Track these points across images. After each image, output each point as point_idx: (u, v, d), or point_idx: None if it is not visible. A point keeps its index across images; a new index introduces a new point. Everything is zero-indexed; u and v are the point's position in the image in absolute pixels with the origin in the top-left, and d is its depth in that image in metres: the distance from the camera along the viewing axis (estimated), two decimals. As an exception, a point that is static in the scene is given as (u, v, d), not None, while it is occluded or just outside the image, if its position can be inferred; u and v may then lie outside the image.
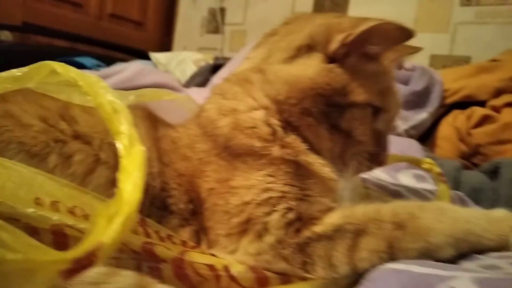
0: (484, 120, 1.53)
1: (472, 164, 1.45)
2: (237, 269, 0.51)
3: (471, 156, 1.53)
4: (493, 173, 1.09)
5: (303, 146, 0.63)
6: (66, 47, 2.75)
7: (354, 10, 2.57)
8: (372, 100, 0.65)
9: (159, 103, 0.79)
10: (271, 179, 0.58)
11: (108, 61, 2.56)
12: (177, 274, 0.49)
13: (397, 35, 0.63)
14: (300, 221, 0.56)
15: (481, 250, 0.55)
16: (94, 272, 0.40)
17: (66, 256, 0.29)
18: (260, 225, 0.55)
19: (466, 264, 0.54)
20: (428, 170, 0.78)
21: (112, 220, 0.32)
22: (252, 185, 0.57)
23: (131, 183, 0.36)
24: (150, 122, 0.68)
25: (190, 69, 2.37)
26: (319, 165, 0.62)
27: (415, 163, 0.82)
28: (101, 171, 0.55)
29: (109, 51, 2.94)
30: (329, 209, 0.58)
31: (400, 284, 0.47)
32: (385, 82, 0.69)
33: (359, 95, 0.64)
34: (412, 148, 1.22)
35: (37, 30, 2.60)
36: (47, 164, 0.52)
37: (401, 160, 0.81)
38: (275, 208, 0.55)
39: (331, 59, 0.65)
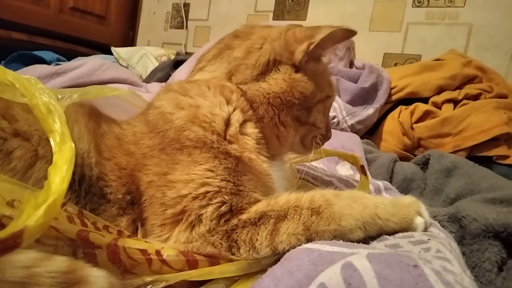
0: (426, 115, 1.64)
1: (414, 156, 1.56)
2: (168, 253, 0.56)
3: (413, 149, 1.64)
4: (424, 164, 1.19)
5: (252, 144, 0.69)
6: (26, 40, 2.69)
7: (314, 8, 2.64)
8: (328, 92, 0.78)
9: (105, 99, 0.82)
10: (210, 174, 0.63)
11: (70, 55, 2.53)
12: (111, 258, 0.53)
13: (343, 36, 0.72)
14: (231, 213, 0.61)
15: (389, 232, 0.62)
16: (26, 257, 0.44)
17: (-8, 237, 0.34)
18: (194, 217, 0.60)
19: (375, 244, 0.61)
20: (352, 164, 0.86)
21: (38, 207, 0.36)
22: (191, 179, 0.62)
23: (59, 176, 0.40)
24: (92, 118, 0.71)
25: (152, 64, 2.39)
26: (260, 161, 0.69)
27: (342, 157, 0.89)
28: (40, 166, 0.58)
29: (71, 45, 2.91)
30: (257, 201, 0.64)
31: (310, 260, 0.53)
32: (328, 73, 0.81)
33: (321, 92, 0.76)
34: (352, 141, 1.30)
35: (-6, 22, 2.54)
36: (-12, 160, 0.56)
37: (330, 154, 0.88)
38: (211, 202, 0.61)
39: (296, 68, 0.74)
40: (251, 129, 0.70)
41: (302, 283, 0.50)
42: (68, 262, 0.47)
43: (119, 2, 3.35)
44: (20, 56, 2.29)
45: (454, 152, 1.54)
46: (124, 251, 0.54)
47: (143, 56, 2.45)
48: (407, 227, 0.63)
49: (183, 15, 3.20)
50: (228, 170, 0.63)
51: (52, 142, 0.44)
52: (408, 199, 0.67)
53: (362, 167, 0.81)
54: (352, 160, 0.85)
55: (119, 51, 2.50)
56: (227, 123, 0.68)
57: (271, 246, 0.59)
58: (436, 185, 1.07)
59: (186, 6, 3.21)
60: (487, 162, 1.48)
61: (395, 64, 2.34)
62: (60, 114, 0.45)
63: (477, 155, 1.55)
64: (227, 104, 0.70)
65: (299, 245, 0.59)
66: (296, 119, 0.75)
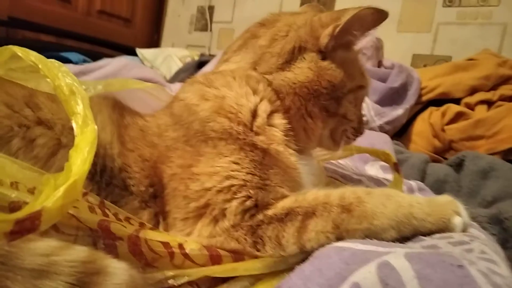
0: (458, 117, 1.57)
1: (444, 160, 1.49)
2: (191, 247, 0.54)
3: (444, 152, 1.57)
4: (458, 165, 1.13)
5: (280, 135, 0.66)
6: (53, 42, 2.75)
7: (340, 8, 2.60)
8: (360, 82, 0.73)
9: (130, 93, 0.81)
10: (235, 166, 0.60)
11: (96, 57, 2.57)
12: (132, 250, 0.52)
13: (374, 19, 0.68)
14: (256, 208, 0.59)
15: (424, 233, 0.58)
16: (45, 245, 0.42)
17: (9, 217, 0.32)
18: (218, 211, 0.57)
19: (410, 244, 0.57)
20: (385, 161, 0.81)
21: (57, 188, 0.34)
22: (215, 172, 0.59)
23: (80, 158, 0.38)
24: (116, 109, 0.70)
25: (176, 65, 2.40)
26: (288, 154, 0.66)
27: (374, 154, 0.85)
28: (63, 154, 0.57)
29: (97, 47, 2.96)
30: (284, 197, 0.61)
31: (341, 259, 0.50)
32: (361, 62, 0.76)
33: (352, 81, 0.71)
34: (381, 140, 1.25)
35: (24, 25, 2.60)
36: (11, 147, 0.55)
37: (362, 151, 0.85)
38: (235, 196, 0.58)
39: (323, 54, 0.70)
40: (278, 120, 0.67)
41: (333, 282, 0.47)
42: (88, 252, 0.46)
43: (145, 5, 3.40)
44: (48, 57, 2.32)
45: (488, 155, 1.47)
46: (145, 243, 0.52)
47: (167, 58, 2.46)
48: (444, 228, 0.58)
49: (208, 18, 3.21)
50: (254, 163, 0.61)
51: (74, 125, 0.43)
52: (445, 198, 0.62)
53: (395, 164, 0.77)
54: (384, 157, 0.81)
55: (144, 53, 2.52)
56: (254, 114, 0.65)
57: (298, 243, 0.56)
58: (471, 187, 1.02)
59: (211, 8, 3.22)
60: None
61: (425, 66, 2.27)
62: (83, 96, 0.44)
63: (512, 159, 1.47)
64: (254, 95, 0.67)
65: (328, 243, 0.55)
66: (324, 110, 0.70)
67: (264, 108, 0.66)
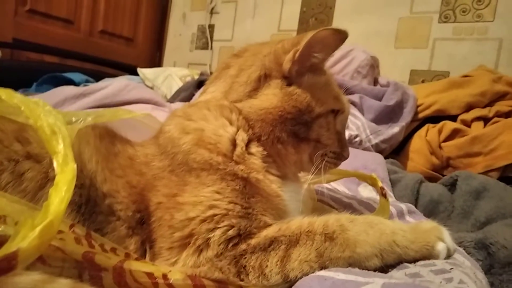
0: (455, 134, 1.58)
1: (443, 177, 1.49)
2: (175, 277, 0.55)
3: (442, 169, 1.57)
4: (452, 185, 1.13)
5: (259, 163, 0.68)
6: (57, 63, 2.80)
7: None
8: (331, 106, 0.73)
9: (123, 121, 0.83)
10: (218, 196, 0.61)
11: (98, 77, 2.61)
12: (117, 281, 0.52)
13: (335, 39, 0.68)
14: (239, 237, 0.59)
15: (408, 260, 0.58)
16: (29, 279, 0.43)
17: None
18: (202, 240, 0.58)
19: (394, 272, 0.57)
20: (371, 185, 0.82)
21: (34, 229, 0.36)
22: (199, 201, 0.61)
23: (58, 197, 0.40)
24: (106, 138, 0.72)
25: (176, 85, 2.43)
26: (268, 182, 0.67)
27: (361, 178, 0.86)
28: (51, 187, 0.58)
29: (100, 67, 3.00)
30: (267, 226, 0.62)
31: (322, 289, 0.50)
32: (335, 86, 0.76)
33: (321, 106, 0.71)
34: (375, 161, 1.26)
35: (28, 46, 2.66)
36: (0, 181, 0.56)
37: (349, 175, 0.85)
38: (218, 225, 0.59)
39: (288, 80, 0.71)
40: (255, 148, 0.69)
41: (312, 313, 0.47)
42: (71, 284, 0.47)
43: (146, 25, 3.45)
44: (50, 78, 2.37)
45: (486, 172, 1.47)
46: (130, 274, 0.53)
47: (168, 77, 2.49)
48: (428, 255, 0.59)
49: (208, 36, 3.25)
50: (236, 192, 0.62)
51: (55, 163, 0.44)
52: (429, 224, 0.63)
53: (382, 188, 0.78)
54: (371, 181, 0.81)
55: (145, 72, 2.55)
56: (233, 143, 0.67)
57: (281, 273, 0.56)
58: (464, 208, 1.02)
59: (211, 27, 3.27)
60: (522, 183, 1.40)
61: (423, 81, 2.29)
62: (64, 136, 0.45)
63: (510, 175, 1.47)
64: (230, 125, 0.69)
65: (312, 272, 0.56)
66: (293, 135, 0.70)
67: (241, 137, 0.68)
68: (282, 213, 0.65)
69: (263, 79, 0.71)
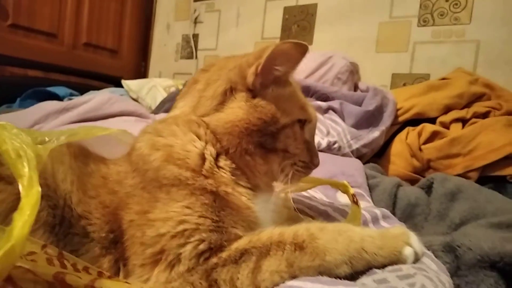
0: (434, 136, 1.60)
1: (423, 179, 1.51)
2: (147, 294, 0.56)
3: (423, 171, 1.60)
4: (429, 188, 1.15)
5: (228, 177, 0.69)
6: (41, 77, 2.79)
7: (319, 34, 2.66)
8: (297, 116, 0.74)
9: (99, 138, 0.83)
10: (188, 211, 0.62)
11: (83, 90, 2.61)
12: (89, 301, 0.53)
13: (297, 52, 0.70)
14: (210, 251, 0.60)
15: (377, 266, 0.60)
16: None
17: None
18: (173, 256, 0.59)
19: (363, 279, 0.59)
20: (344, 192, 0.84)
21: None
22: (169, 217, 0.61)
23: (21, 221, 0.40)
24: (80, 158, 0.72)
25: (161, 95, 2.43)
26: (237, 194, 0.68)
27: (334, 185, 0.87)
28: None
29: (85, 80, 3.00)
30: (238, 238, 0.63)
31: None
32: (300, 97, 0.78)
33: (287, 117, 0.72)
34: (353, 167, 1.28)
35: (11, 61, 2.64)
36: (-30, 204, 0.57)
37: (322, 183, 0.87)
38: (189, 240, 0.60)
39: (253, 93, 0.72)
40: (223, 161, 0.70)
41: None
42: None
43: (130, 36, 3.45)
44: (34, 92, 2.37)
45: (466, 172, 1.50)
46: (101, 293, 0.54)
47: (152, 88, 2.49)
48: (396, 260, 0.60)
49: (193, 46, 3.27)
50: (206, 206, 0.63)
51: (20, 187, 0.45)
52: (397, 229, 0.64)
53: (353, 195, 0.79)
54: (343, 188, 0.83)
55: (129, 84, 2.55)
56: (202, 158, 0.68)
57: (253, 285, 0.57)
58: (440, 210, 1.04)
59: (195, 36, 3.28)
60: (501, 182, 1.43)
61: (404, 84, 2.32)
62: (30, 159, 0.46)
63: (489, 175, 1.50)
64: (199, 139, 0.70)
65: (283, 282, 0.57)
66: (260, 147, 0.71)
67: (209, 152, 0.69)
68: (254, 224, 0.66)
69: (229, 92, 0.73)
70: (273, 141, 0.71)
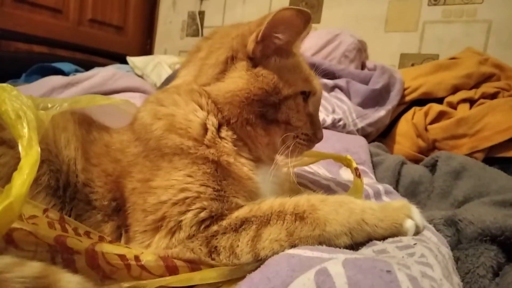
0: (441, 116, 1.58)
1: (428, 159, 1.50)
2: (147, 259, 0.56)
3: (428, 151, 1.58)
4: (433, 166, 1.14)
5: (230, 147, 0.68)
6: (46, 53, 2.78)
7: (328, 11, 2.62)
8: (300, 88, 0.72)
9: (102, 108, 0.83)
10: (189, 179, 0.62)
11: (88, 66, 2.59)
12: (90, 264, 0.54)
13: (297, 20, 0.67)
14: (211, 219, 0.61)
15: (377, 238, 0.60)
16: (0, 262, 0.45)
17: None
18: (174, 223, 0.60)
19: (363, 249, 0.59)
20: (347, 166, 0.83)
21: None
22: (171, 185, 0.62)
23: (20, 179, 0.40)
24: (83, 125, 0.73)
25: (166, 73, 2.41)
26: (239, 165, 0.68)
27: (337, 159, 0.87)
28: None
29: (90, 56, 2.98)
30: (239, 207, 0.63)
31: (289, 266, 0.52)
32: (305, 69, 0.76)
33: (289, 88, 0.71)
34: (357, 144, 1.27)
35: (16, 36, 2.63)
36: (-27, 167, 0.57)
37: (324, 157, 0.86)
38: (190, 208, 0.60)
39: (253, 61, 0.71)
40: (225, 132, 0.69)
41: (277, 290, 0.49)
42: (41, 267, 0.47)
43: (136, 13, 3.42)
44: (40, 68, 2.36)
45: (471, 153, 1.48)
46: (102, 257, 0.54)
47: (157, 65, 2.47)
48: (396, 232, 0.60)
49: (199, 23, 3.23)
50: (207, 175, 0.63)
51: (20, 147, 0.45)
52: (399, 202, 0.64)
53: (356, 169, 0.79)
54: (346, 162, 0.82)
55: (134, 61, 2.53)
56: (204, 127, 0.68)
57: (252, 252, 0.58)
58: (443, 188, 1.03)
59: (201, 14, 3.24)
60: (507, 163, 1.42)
61: (412, 65, 2.29)
62: (30, 120, 0.46)
63: (495, 156, 1.48)
64: (201, 109, 0.69)
65: (282, 251, 0.57)
66: (262, 117, 0.70)
67: (211, 122, 0.68)
68: (254, 195, 0.66)
69: (230, 61, 0.71)
70: (275, 112, 0.70)
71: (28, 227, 0.52)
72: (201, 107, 0.70)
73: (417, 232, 0.62)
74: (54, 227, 0.55)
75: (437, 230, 0.67)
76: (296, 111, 0.72)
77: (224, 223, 0.60)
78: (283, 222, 0.59)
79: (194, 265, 0.58)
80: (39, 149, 0.45)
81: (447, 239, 0.68)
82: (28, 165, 0.42)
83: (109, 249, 0.55)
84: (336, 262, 0.47)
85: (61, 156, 0.65)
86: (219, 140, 0.68)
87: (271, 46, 0.70)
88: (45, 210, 0.57)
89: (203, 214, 0.60)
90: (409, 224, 0.60)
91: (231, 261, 0.58)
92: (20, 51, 2.67)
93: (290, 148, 0.72)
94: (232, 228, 0.59)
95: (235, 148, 0.69)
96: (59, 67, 2.39)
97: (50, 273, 0.48)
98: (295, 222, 0.59)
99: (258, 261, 0.58)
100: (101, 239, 0.59)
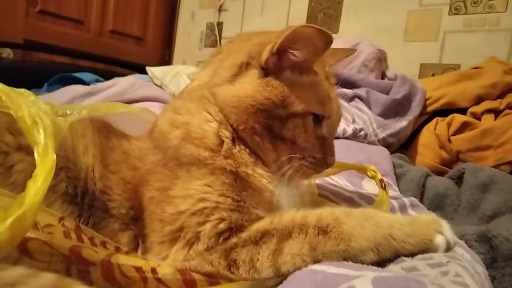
0: (464, 127, 1.54)
1: (452, 171, 1.45)
2: (164, 271, 0.54)
3: (452, 163, 1.54)
4: (459, 178, 1.10)
5: (247, 158, 0.66)
6: (67, 63, 2.82)
7: (346, 22, 2.60)
8: (311, 108, 0.68)
9: (122, 116, 0.83)
10: (208, 189, 0.60)
11: (108, 76, 2.62)
12: (105, 276, 0.52)
13: (317, 39, 0.64)
14: (230, 230, 0.58)
15: (405, 254, 0.56)
16: (12, 274, 0.43)
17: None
18: (192, 234, 0.58)
19: (391, 266, 0.56)
20: (371, 177, 0.80)
21: (5, 221, 0.35)
22: (189, 194, 0.60)
23: (34, 188, 0.39)
24: (102, 132, 0.72)
25: (184, 82, 2.42)
26: (258, 176, 0.65)
27: (361, 170, 0.84)
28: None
29: (110, 67, 3.02)
30: (259, 219, 0.60)
31: (313, 283, 0.49)
32: (322, 90, 0.71)
33: (298, 105, 0.67)
34: (379, 154, 1.23)
35: (39, 47, 2.68)
36: (-11, 174, 0.56)
37: (349, 168, 0.83)
38: (209, 219, 0.58)
39: (265, 72, 0.68)
40: (238, 146, 0.67)
41: (301, 308, 0.46)
42: (55, 279, 0.46)
43: (156, 24, 3.46)
44: (61, 78, 2.39)
45: (497, 166, 1.43)
46: (118, 268, 0.52)
47: (176, 75, 2.48)
48: (426, 248, 0.56)
49: (217, 34, 3.25)
50: (226, 186, 0.61)
51: (35, 154, 0.43)
52: (428, 216, 0.61)
53: (381, 181, 0.76)
54: (371, 173, 0.79)
55: (153, 71, 2.55)
56: (219, 137, 0.66)
57: (273, 267, 0.55)
58: (471, 201, 0.99)
59: (220, 25, 3.26)
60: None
61: (433, 75, 2.24)
62: (46, 126, 0.45)
63: (523, 168, 1.43)
64: (213, 120, 0.68)
65: (305, 266, 0.55)
66: (267, 129, 0.66)
67: (225, 134, 0.67)
68: (275, 207, 0.64)
69: (245, 66, 0.70)
70: (280, 126, 0.67)
71: (43, 237, 0.51)
72: (211, 115, 0.68)
73: (448, 248, 0.58)
74: (70, 236, 0.54)
75: (469, 247, 0.63)
76: (304, 131, 0.68)
77: (244, 235, 0.58)
78: (306, 236, 0.56)
79: (212, 279, 0.56)
80: (55, 156, 0.44)
81: (480, 256, 0.64)
82: (43, 172, 0.41)
83: (125, 260, 0.53)
84: (365, 280, 0.45)
85: (79, 163, 0.64)
86: (235, 151, 0.66)
87: (286, 61, 0.68)
88: (60, 219, 0.56)
89: (222, 225, 0.58)
90: (439, 240, 0.57)
91: (251, 275, 0.55)
92: (42, 61, 2.72)
93: (293, 170, 0.68)
94: (252, 241, 0.57)
95: (252, 160, 0.67)
96: (80, 77, 2.42)
97: (65, 284, 0.46)
98: (318, 236, 0.56)
99: (279, 277, 0.55)
100: (118, 249, 0.57)
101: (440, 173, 1.43)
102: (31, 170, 0.58)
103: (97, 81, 2.49)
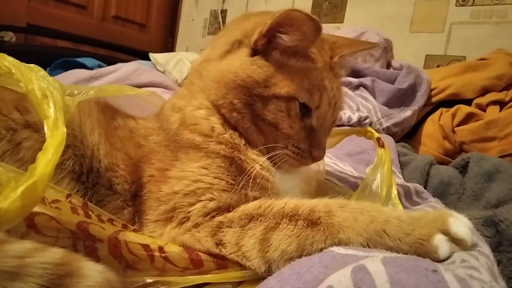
0: (469, 118, 1.53)
1: (455, 162, 1.45)
2: (171, 250, 0.54)
3: (455, 154, 1.53)
4: (464, 167, 1.10)
5: (239, 142, 0.67)
6: (70, 48, 2.81)
7: (352, 10, 2.58)
8: (297, 94, 0.66)
9: (128, 99, 0.83)
10: (204, 171, 0.62)
11: (111, 62, 2.61)
12: (112, 253, 0.52)
13: (305, 25, 0.62)
14: (218, 209, 0.60)
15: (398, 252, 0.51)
16: (20, 247, 0.43)
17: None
18: (183, 214, 0.59)
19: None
20: (369, 138, 0.80)
21: (16, 189, 0.35)
22: (185, 176, 0.62)
23: (45, 160, 0.39)
24: (107, 112, 0.73)
25: (187, 69, 2.41)
26: (251, 162, 0.65)
27: (358, 133, 0.83)
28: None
29: (112, 52, 3.01)
30: (249, 201, 0.61)
31: (321, 262, 0.49)
32: (315, 79, 0.68)
33: (282, 88, 0.65)
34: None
35: (41, 31, 2.67)
36: (-3, 150, 0.56)
37: (346, 133, 0.85)
38: (200, 198, 0.60)
39: (254, 52, 0.68)
40: (228, 126, 0.68)
41: (309, 286, 0.46)
42: (63, 254, 0.46)
43: (159, 10, 3.44)
44: (64, 62, 2.38)
45: (501, 157, 1.42)
46: (125, 246, 0.53)
47: (179, 61, 2.47)
48: (423, 249, 0.50)
49: (221, 21, 3.23)
50: (222, 169, 0.63)
51: (45, 127, 0.43)
52: (435, 213, 0.55)
53: (378, 139, 0.76)
54: (367, 134, 0.81)
55: (156, 57, 2.54)
56: (210, 124, 0.68)
57: (263, 259, 0.54)
58: (475, 190, 0.99)
59: (224, 12, 3.24)
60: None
61: (438, 66, 2.22)
62: (56, 100, 0.44)
63: (526, 160, 1.42)
64: (203, 106, 0.70)
65: (291, 258, 0.53)
66: (247, 107, 0.66)
67: (214, 119, 0.68)
68: (271, 193, 0.63)
69: (237, 44, 0.70)
70: (262, 107, 0.65)
71: (51, 212, 0.50)
72: (199, 102, 0.71)
73: (463, 245, 0.51)
74: (77, 212, 0.53)
75: (476, 230, 0.63)
76: (287, 116, 0.66)
77: (230, 215, 0.58)
78: (294, 228, 0.54)
79: (219, 260, 0.56)
80: (65, 129, 0.44)
81: (486, 240, 0.64)
82: (54, 145, 0.41)
83: (133, 238, 0.53)
84: (374, 259, 0.44)
85: (86, 141, 0.64)
86: (227, 136, 0.67)
87: (275, 43, 0.66)
88: (68, 196, 0.55)
89: (211, 204, 0.59)
90: (438, 240, 0.50)
91: (240, 260, 0.55)
92: (45, 46, 2.71)
93: (277, 158, 0.66)
94: (237, 223, 0.57)
95: (243, 143, 0.67)
96: (82, 62, 2.41)
97: (72, 260, 0.46)
98: (306, 228, 0.54)
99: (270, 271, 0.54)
100: (125, 227, 0.57)
101: (443, 164, 1.42)
102: (38, 147, 0.58)
103: (100, 66, 2.48)
